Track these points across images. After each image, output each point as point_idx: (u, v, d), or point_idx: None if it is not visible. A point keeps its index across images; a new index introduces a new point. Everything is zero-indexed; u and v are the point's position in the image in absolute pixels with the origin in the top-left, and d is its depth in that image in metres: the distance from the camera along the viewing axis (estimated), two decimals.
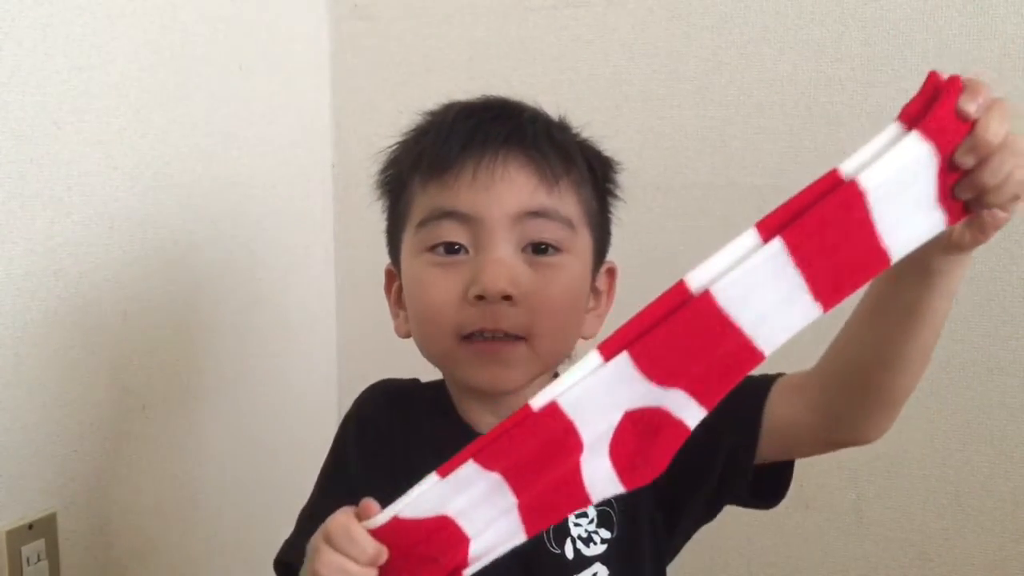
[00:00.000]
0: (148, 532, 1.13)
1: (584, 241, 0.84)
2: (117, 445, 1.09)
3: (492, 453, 0.59)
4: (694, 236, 1.25)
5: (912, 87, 1.18)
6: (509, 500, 0.60)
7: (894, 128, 0.59)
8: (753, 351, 0.59)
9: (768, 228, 0.58)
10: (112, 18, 1.05)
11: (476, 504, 0.60)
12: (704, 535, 0.86)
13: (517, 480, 0.59)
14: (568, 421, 0.59)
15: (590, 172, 0.85)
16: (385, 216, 0.91)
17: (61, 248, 1.01)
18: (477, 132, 0.81)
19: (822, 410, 0.76)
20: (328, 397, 1.46)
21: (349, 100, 1.43)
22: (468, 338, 0.79)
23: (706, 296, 0.57)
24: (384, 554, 0.63)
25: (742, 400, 0.72)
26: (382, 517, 0.62)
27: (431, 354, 0.84)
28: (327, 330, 1.45)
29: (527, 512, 0.61)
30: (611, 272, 0.90)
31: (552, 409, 0.59)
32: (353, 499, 0.72)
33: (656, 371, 0.58)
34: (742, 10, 1.20)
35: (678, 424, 0.60)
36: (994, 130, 0.59)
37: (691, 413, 0.60)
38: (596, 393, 0.59)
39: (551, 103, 0.86)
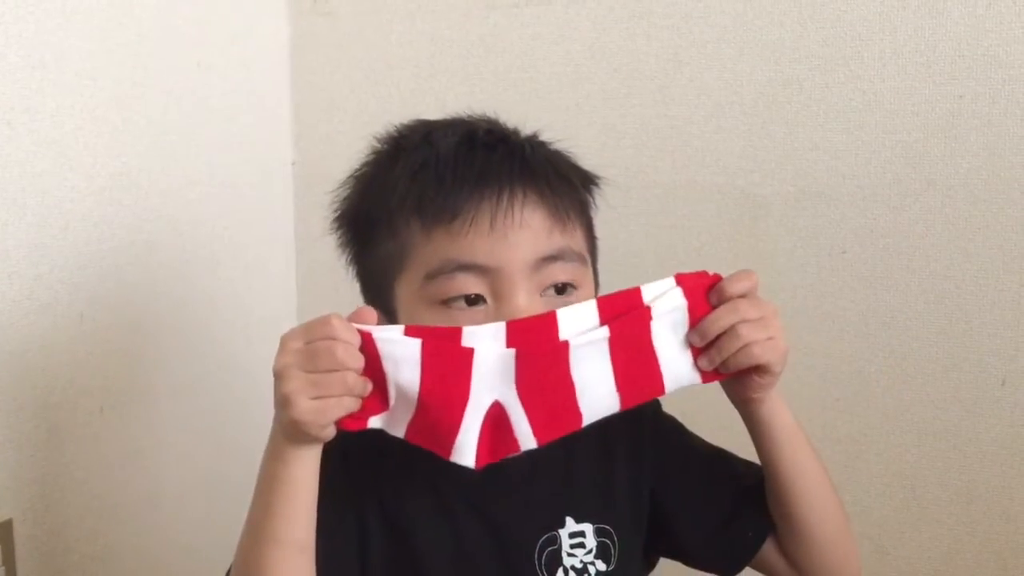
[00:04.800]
0: (107, 536, 1.12)
1: (590, 270, 0.83)
2: (74, 448, 1.07)
3: (429, 346, 0.69)
4: (655, 234, 1.26)
5: (869, 87, 1.20)
6: (413, 397, 0.70)
7: (670, 281, 0.75)
8: (577, 415, 0.73)
9: (605, 308, 0.73)
10: (66, 15, 1.04)
11: (402, 368, 0.70)
12: None
13: (427, 375, 0.70)
14: (468, 377, 0.71)
15: (584, 196, 0.84)
16: (352, 252, 0.85)
17: (16, 250, 0.99)
18: (485, 172, 0.77)
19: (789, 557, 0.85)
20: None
21: (309, 97, 1.42)
22: None
23: (564, 344, 0.71)
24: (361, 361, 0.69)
25: (757, 509, 0.85)
26: (375, 328, 0.70)
27: None
28: (288, 329, 1.44)
29: (415, 423, 0.71)
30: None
31: (467, 353, 0.70)
32: (323, 513, 0.73)
33: (522, 381, 0.71)
34: (702, 10, 1.21)
35: (514, 441, 0.71)
36: (716, 318, 0.74)
37: (525, 438, 0.71)
38: (490, 367, 0.70)
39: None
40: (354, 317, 0.70)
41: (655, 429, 0.90)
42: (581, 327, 0.72)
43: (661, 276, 1.24)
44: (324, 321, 0.69)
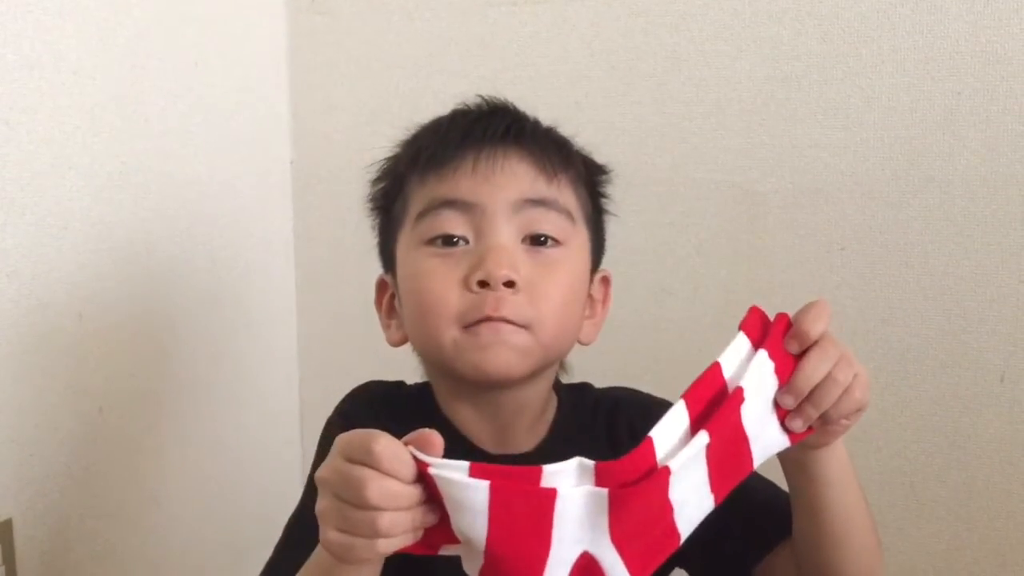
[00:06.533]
0: (107, 535, 1.12)
1: (582, 238, 0.84)
2: (74, 448, 1.07)
3: (500, 490, 0.58)
4: (653, 232, 1.26)
5: (867, 84, 1.20)
6: (480, 547, 0.59)
7: (743, 338, 0.65)
8: (676, 536, 0.63)
9: (694, 404, 0.63)
10: (64, 14, 1.03)
11: (464, 514, 0.59)
12: None
13: (496, 526, 0.59)
14: (549, 526, 0.59)
15: (586, 174, 0.86)
16: (377, 230, 0.89)
17: (14, 249, 0.99)
18: (476, 126, 0.81)
19: None
20: (289, 395, 1.45)
21: (307, 96, 1.42)
22: (471, 327, 0.77)
23: (665, 471, 0.60)
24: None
25: (763, 522, 0.81)
26: (434, 461, 0.58)
27: (432, 349, 0.81)
28: (288, 328, 1.44)
29: (486, 571, 0.61)
30: (606, 280, 0.90)
31: (547, 496, 0.59)
32: None
33: (618, 525, 0.60)
34: (701, 7, 1.21)
35: None
36: (811, 370, 0.65)
37: None
38: (577, 514, 0.59)
39: (511, 99, 0.86)
40: (415, 441, 0.59)
41: None
42: (675, 435, 0.62)
43: (658, 275, 1.26)
44: (365, 444, 0.59)
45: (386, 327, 0.88)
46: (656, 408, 0.92)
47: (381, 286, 0.89)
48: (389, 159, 0.89)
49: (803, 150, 1.18)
